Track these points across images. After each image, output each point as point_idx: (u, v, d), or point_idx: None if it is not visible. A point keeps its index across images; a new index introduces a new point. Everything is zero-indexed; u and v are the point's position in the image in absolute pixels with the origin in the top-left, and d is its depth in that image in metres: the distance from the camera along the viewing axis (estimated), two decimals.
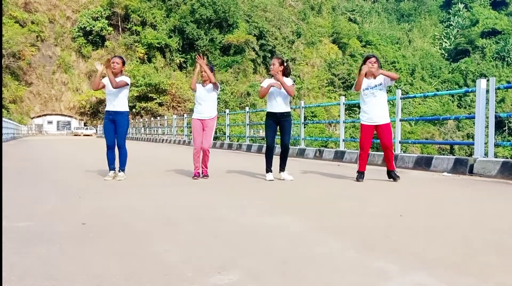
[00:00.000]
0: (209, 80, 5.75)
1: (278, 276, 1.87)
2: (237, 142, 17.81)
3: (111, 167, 5.70)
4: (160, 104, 53.01)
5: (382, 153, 7.74)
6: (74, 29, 58.78)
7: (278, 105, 5.56)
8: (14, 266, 1.99)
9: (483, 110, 6.32)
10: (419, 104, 70.30)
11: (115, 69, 5.51)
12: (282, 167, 5.66)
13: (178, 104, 53.90)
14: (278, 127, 5.67)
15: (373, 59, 5.35)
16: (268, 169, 5.64)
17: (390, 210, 3.46)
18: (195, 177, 5.72)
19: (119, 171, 5.68)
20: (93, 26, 56.83)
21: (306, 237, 2.56)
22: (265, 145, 12.56)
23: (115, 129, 5.64)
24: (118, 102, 5.62)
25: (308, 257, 2.14)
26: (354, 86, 5.50)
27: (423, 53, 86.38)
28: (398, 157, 7.39)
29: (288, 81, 5.56)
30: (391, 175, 5.48)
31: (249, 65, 60.71)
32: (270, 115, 5.63)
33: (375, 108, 5.38)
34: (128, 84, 5.66)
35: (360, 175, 5.47)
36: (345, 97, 11.08)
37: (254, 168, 7.20)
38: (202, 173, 5.87)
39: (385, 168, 5.68)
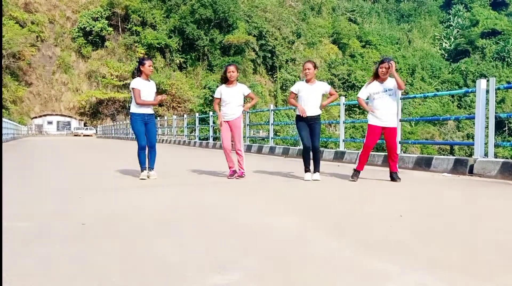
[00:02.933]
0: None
1: (278, 276, 1.86)
2: None
3: (144, 167, 5.81)
4: (160, 105, 53.00)
5: (382, 153, 7.77)
6: (74, 30, 58.75)
7: (309, 109, 5.57)
8: (14, 266, 1.99)
9: (483, 110, 6.32)
10: (419, 104, 70.28)
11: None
12: (316, 169, 5.66)
13: (178, 105, 53.91)
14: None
15: (385, 65, 5.38)
16: (307, 168, 5.66)
17: (390, 211, 3.46)
18: (230, 177, 5.80)
19: (151, 170, 5.83)
20: (93, 27, 56.80)
21: (306, 237, 2.55)
22: (265, 145, 12.64)
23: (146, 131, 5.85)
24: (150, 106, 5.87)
25: (308, 257, 2.14)
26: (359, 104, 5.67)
27: (423, 54, 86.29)
28: (398, 157, 7.38)
29: (325, 86, 5.69)
30: (392, 176, 5.51)
31: (249, 65, 60.69)
32: (300, 118, 5.63)
33: (385, 111, 5.45)
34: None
35: (356, 173, 5.52)
36: (345, 97, 11.09)
37: (254, 168, 7.20)
38: (238, 173, 5.89)
39: (385, 168, 5.68)
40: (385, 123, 5.49)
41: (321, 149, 10.35)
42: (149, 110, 5.82)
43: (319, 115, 5.68)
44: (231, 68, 5.82)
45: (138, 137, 5.76)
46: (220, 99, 5.91)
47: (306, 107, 5.55)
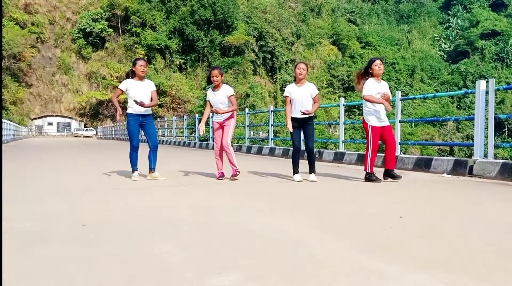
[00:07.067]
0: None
1: (278, 277, 1.87)
2: (237, 143, 17.82)
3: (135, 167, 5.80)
4: (160, 106, 53.02)
5: (382, 154, 7.77)
6: (74, 31, 58.81)
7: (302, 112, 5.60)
8: (14, 267, 1.99)
9: (483, 111, 6.33)
10: (419, 105, 70.29)
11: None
12: (312, 170, 5.65)
13: (178, 106, 53.94)
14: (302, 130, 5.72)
15: (378, 62, 5.51)
16: (296, 170, 5.67)
17: (390, 211, 3.47)
18: (220, 178, 5.76)
19: (152, 171, 5.83)
20: (93, 28, 56.86)
21: (307, 238, 2.56)
22: (265, 146, 12.64)
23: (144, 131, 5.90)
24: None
25: (308, 258, 2.14)
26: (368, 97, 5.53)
27: (422, 55, 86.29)
28: (398, 158, 7.39)
29: (313, 89, 5.67)
30: (392, 174, 5.52)
31: (248, 66, 60.73)
32: (294, 120, 5.65)
33: (382, 111, 5.54)
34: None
35: (374, 175, 5.52)
36: (345, 98, 11.09)
37: (254, 169, 7.21)
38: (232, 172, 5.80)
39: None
40: (383, 123, 5.57)
41: (321, 150, 10.36)
42: (144, 111, 5.78)
43: (312, 116, 5.70)
44: (215, 72, 5.70)
45: (130, 137, 5.87)
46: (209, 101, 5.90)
47: (299, 109, 5.59)
